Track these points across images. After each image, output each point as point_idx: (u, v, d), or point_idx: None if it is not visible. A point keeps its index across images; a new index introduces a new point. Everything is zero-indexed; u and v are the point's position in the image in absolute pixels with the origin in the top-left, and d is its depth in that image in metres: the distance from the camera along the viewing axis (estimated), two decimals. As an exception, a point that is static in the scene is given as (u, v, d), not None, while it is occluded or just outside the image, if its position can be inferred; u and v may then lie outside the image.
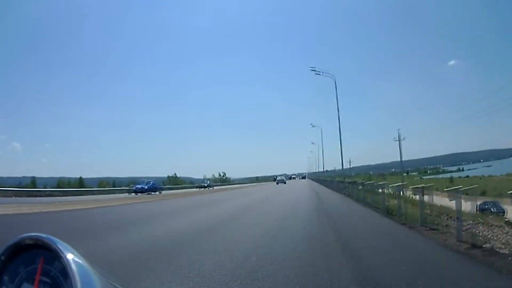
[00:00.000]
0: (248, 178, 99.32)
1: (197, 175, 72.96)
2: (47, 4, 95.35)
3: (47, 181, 43.50)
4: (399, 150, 41.76)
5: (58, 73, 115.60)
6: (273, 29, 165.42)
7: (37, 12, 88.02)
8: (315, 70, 26.79)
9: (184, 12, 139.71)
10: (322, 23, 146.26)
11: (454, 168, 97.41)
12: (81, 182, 44.79)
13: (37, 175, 48.07)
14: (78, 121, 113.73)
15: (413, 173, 74.75)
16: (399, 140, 42.36)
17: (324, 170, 53.75)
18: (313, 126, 45.54)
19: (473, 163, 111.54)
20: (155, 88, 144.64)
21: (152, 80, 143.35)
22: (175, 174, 61.89)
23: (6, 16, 64.32)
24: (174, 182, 55.27)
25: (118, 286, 0.76)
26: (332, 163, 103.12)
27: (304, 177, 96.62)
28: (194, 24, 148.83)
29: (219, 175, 74.95)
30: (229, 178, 77.43)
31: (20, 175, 43.46)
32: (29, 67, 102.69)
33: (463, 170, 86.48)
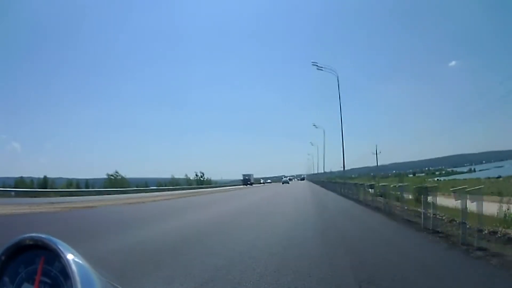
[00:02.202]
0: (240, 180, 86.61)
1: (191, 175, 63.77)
2: (47, 3, 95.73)
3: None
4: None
5: (58, 72, 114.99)
6: (272, 29, 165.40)
7: (36, 11, 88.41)
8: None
9: (183, 12, 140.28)
10: (323, 23, 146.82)
11: (465, 169, 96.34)
12: (45, 182, 38.63)
13: (35, 175, 45.15)
14: (77, 121, 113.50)
15: (420, 174, 72.92)
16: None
17: (325, 171, 51.01)
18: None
19: (475, 164, 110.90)
20: (154, 88, 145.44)
21: (151, 80, 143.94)
22: (116, 172, 46.30)
23: (6, 15, 64.27)
24: (115, 183, 41.41)
25: (118, 286, 0.76)
26: (329, 165, 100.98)
27: (303, 179, 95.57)
28: (194, 24, 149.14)
29: (196, 175, 60.33)
30: (209, 179, 62.85)
31: (17, 175, 38.93)
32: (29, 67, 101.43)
33: (474, 171, 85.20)
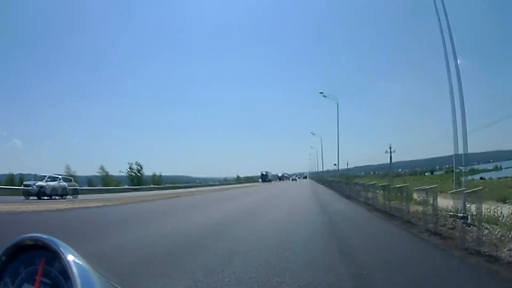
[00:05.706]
0: (217, 178, 66.81)
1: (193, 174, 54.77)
2: (47, 0, 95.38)
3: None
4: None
5: (58, 69, 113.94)
6: (275, 28, 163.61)
7: (37, 8, 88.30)
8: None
9: (185, 9, 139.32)
10: (325, 22, 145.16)
11: (490, 166, 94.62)
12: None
13: (37, 172, 40.72)
14: (79, 119, 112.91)
15: (439, 173, 70.40)
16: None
17: (324, 170, 51.93)
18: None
19: (483, 163, 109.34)
20: (156, 86, 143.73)
21: (153, 78, 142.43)
22: None
23: (7, 12, 64.08)
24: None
25: (118, 287, 0.76)
26: (329, 164, 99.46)
27: (305, 177, 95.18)
28: (195, 21, 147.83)
29: (130, 168, 41.64)
30: (159, 174, 47.39)
31: (16, 172, 34.21)
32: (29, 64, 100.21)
33: (501, 168, 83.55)
